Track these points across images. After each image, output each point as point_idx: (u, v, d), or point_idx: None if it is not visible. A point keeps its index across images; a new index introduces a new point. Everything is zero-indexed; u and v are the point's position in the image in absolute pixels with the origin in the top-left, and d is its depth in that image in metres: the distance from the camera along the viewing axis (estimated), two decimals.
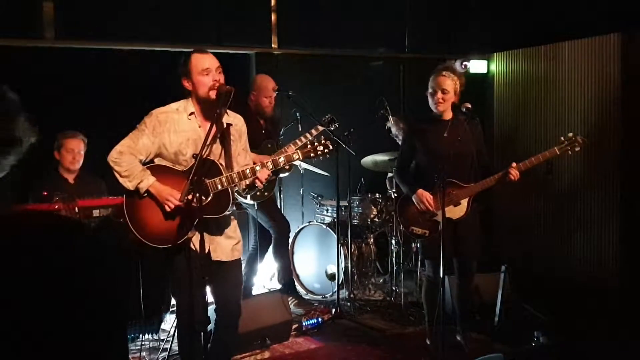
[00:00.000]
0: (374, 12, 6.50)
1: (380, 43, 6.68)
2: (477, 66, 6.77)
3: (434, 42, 6.93)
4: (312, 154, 3.34)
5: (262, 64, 6.11)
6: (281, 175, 5.21)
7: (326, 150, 3.35)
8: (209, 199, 3.13)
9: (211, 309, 3.40)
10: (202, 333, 3.10)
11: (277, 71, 5.98)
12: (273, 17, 6.11)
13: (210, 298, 3.44)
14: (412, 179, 4.10)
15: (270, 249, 5.22)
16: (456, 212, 3.99)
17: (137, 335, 4.29)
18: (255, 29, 6.07)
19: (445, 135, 3.88)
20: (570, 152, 4.02)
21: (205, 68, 3.17)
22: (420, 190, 3.98)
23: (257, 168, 3.21)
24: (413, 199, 4.01)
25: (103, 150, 4.77)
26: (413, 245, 5.60)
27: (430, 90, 4.00)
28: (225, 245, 3.30)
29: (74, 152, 4.58)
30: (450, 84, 3.96)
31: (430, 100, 4.02)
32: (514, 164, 3.95)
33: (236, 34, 5.94)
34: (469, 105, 3.97)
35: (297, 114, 5.33)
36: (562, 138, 4.04)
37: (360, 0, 6.43)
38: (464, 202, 3.99)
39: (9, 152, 1.20)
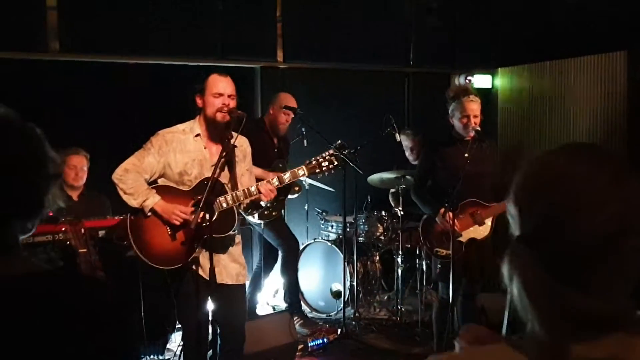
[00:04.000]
0: (378, 26, 6.47)
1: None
2: (481, 81, 6.76)
3: (438, 56, 6.91)
4: (317, 170, 3.38)
5: (267, 77, 6.09)
6: (290, 196, 5.18)
7: (331, 166, 3.39)
8: (214, 217, 3.13)
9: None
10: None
11: (283, 85, 5.96)
12: (278, 30, 6.08)
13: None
14: (432, 199, 4.07)
15: (277, 266, 5.19)
16: (480, 231, 3.99)
17: (142, 356, 4.24)
18: (260, 43, 6.04)
19: (467, 155, 3.88)
20: None
21: (218, 92, 3.19)
22: (443, 210, 3.95)
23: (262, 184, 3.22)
24: (437, 219, 3.97)
25: (107, 165, 4.72)
26: (418, 263, 5.57)
27: (459, 116, 3.99)
28: (231, 269, 3.30)
29: (77, 168, 4.53)
30: (478, 107, 4.00)
31: (459, 125, 4.01)
32: None
33: (241, 48, 5.91)
34: (478, 128, 3.99)
35: (303, 129, 5.31)
36: None
37: (365, 14, 6.40)
38: (488, 222, 3.99)
39: (33, 221, 1.14)
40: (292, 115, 4.99)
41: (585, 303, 0.90)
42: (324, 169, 3.35)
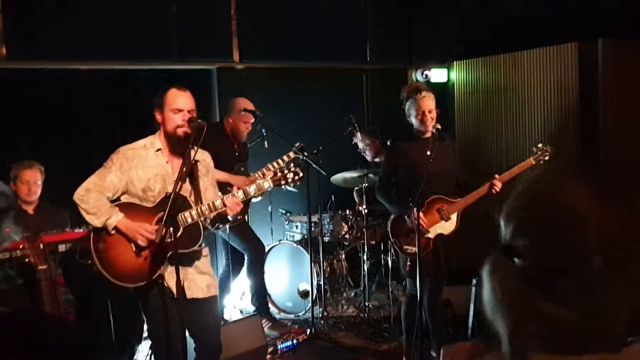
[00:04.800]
0: (335, 24, 6.47)
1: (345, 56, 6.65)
2: (437, 75, 6.83)
3: (395, 52, 6.95)
4: (282, 182, 3.37)
5: (224, 78, 6.01)
6: (253, 200, 5.15)
7: (296, 177, 3.39)
8: (180, 233, 3.08)
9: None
10: None
11: (240, 86, 5.90)
12: (234, 30, 6.00)
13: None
14: (399, 199, 4.10)
15: (244, 270, 5.17)
16: (447, 227, 4.06)
17: None
18: (215, 44, 5.95)
19: (428, 153, 3.93)
20: (542, 162, 4.19)
21: (178, 108, 3.14)
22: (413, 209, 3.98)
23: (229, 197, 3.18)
24: (407, 219, 4.01)
25: (62, 176, 4.59)
26: (383, 259, 5.62)
27: (414, 114, 4.03)
28: (200, 282, 3.26)
29: (30, 183, 4.36)
30: (432, 102, 4.04)
31: (416, 122, 4.05)
32: (496, 176, 4.06)
33: (196, 49, 5.81)
34: (439, 126, 4.04)
35: (263, 131, 5.27)
36: (534, 149, 4.22)
37: (321, 12, 6.38)
38: (454, 217, 4.05)
39: None
40: (252, 120, 4.95)
41: (563, 317, 0.92)
42: (289, 180, 3.34)
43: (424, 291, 3.94)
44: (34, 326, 1.12)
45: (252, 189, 3.25)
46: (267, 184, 3.29)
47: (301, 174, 3.39)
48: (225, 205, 3.15)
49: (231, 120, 4.96)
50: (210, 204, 3.14)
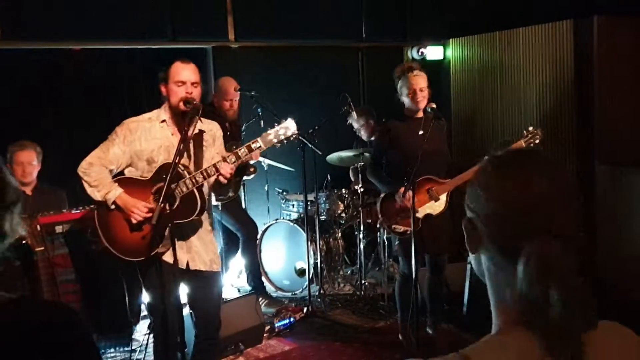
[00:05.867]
0: (330, 2, 6.42)
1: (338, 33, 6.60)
2: (433, 52, 6.80)
3: (390, 29, 6.91)
4: (274, 140, 3.21)
5: (219, 57, 5.99)
6: (246, 177, 5.17)
7: (288, 134, 3.21)
8: (176, 203, 3.09)
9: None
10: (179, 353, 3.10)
11: (236, 65, 5.88)
12: (229, 9, 5.96)
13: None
14: (389, 178, 4.12)
15: (239, 251, 5.21)
16: (436, 207, 4.08)
17: (109, 348, 4.23)
18: (211, 22, 5.91)
19: (420, 132, 3.93)
20: (532, 145, 4.17)
21: (181, 80, 3.15)
22: (402, 188, 4.01)
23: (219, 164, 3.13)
24: (396, 197, 4.04)
25: (58, 157, 4.59)
26: (378, 238, 5.66)
27: (406, 92, 4.04)
28: (204, 255, 3.29)
29: (24, 164, 4.37)
30: (424, 81, 4.05)
31: (407, 100, 4.06)
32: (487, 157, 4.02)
33: (192, 28, 5.77)
34: (434, 105, 4.04)
35: (259, 110, 5.27)
36: (525, 132, 4.20)
37: None
38: (443, 197, 4.07)
39: None
40: (236, 97, 4.95)
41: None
42: (281, 137, 3.20)
43: (417, 270, 3.98)
44: (28, 313, 1.14)
45: (242, 151, 3.18)
46: (257, 144, 3.18)
47: (292, 129, 3.20)
48: (217, 170, 3.13)
49: (215, 99, 4.98)
50: (203, 171, 3.11)
